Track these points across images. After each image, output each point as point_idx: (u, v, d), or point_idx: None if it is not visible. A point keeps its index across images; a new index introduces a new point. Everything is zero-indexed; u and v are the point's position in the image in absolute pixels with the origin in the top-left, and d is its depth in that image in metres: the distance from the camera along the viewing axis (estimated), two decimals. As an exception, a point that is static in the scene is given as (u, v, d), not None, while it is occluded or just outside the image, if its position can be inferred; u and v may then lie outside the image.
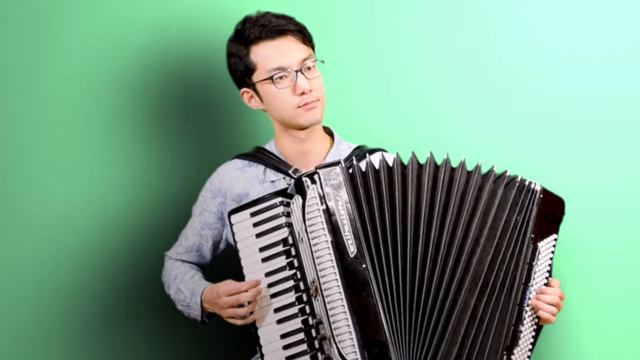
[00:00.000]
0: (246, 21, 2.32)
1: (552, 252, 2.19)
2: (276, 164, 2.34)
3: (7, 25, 2.58)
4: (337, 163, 2.15)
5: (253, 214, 2.19)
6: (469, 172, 2.18)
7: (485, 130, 2.66)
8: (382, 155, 2.19)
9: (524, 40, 2.66)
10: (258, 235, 2.18)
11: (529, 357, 2.16)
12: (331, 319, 2.07)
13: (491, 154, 2.54)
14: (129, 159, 2.62)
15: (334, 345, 2.06)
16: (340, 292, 2.07)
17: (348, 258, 2.09)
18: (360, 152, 2.35)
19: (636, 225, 2.63)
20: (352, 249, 2.10)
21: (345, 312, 2.06)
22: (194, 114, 2.64)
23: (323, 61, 2.32)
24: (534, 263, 2.16)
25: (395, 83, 2.67)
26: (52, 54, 2.59)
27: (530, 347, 2.16)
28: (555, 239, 2.20)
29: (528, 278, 2.15)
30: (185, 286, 2.30)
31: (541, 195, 2.18)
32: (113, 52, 2.61)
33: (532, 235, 2.16)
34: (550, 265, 2.19)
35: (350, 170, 2.15)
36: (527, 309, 2.15)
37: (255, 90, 2.32)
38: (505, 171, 2.20)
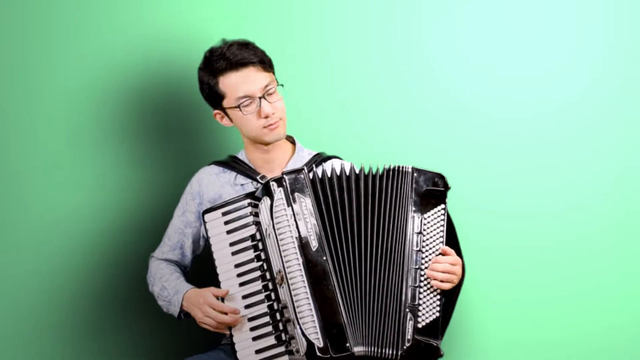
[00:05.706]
0: (212, 52, 2.52)
1: (443, 221, 2.44)
2: (246, 171, 2.59)
3: (9, 29, 2.71)
4: (300, 170, 2.43)
5: (224, 213, 2.45)
6: (365, 176, 2.44)
7: (421, 136, 2.94)
8: (337, 163, 2.49)
9: (456, 54, 2.94)
10: (229, 232, 2.44)
11: (437, 314, 2.39)
12: (295, 304, 2.34)
13: (427, 156, 2.90)
14: (124, 162, 2.80)
15: (298, 327, 2.33)
16: (303, 281, 2.34)
17: (311, 251, 2.36)
18: (319, 159, 2.63)
19: (542, 226, 2.94)
20: (314, 243, 2.37)
21: (307, 297, 2.33)
22: (177, 127, 2.84)
23: (282, 85, 2.56)
24: (421, 231, 2.41)
25: (349, 97, 2.93)
26: (49, 61, 2.73)
27: (438, 309, 2.40)
28: (443, 209, 2.45)
29: (418, 244, 2.42)
30: (170, 285, 2.53)
31: (414, 174, 2.45)
32: (109, 66, 2.78)
33: (414, 209, 2.43)
34: (442, 232, 2.44)
35: (312, 176, 2.43)
36: (424, 272, 2.40)
37: (226, 113, 2.56)
38: (385, 165, 2.45)
